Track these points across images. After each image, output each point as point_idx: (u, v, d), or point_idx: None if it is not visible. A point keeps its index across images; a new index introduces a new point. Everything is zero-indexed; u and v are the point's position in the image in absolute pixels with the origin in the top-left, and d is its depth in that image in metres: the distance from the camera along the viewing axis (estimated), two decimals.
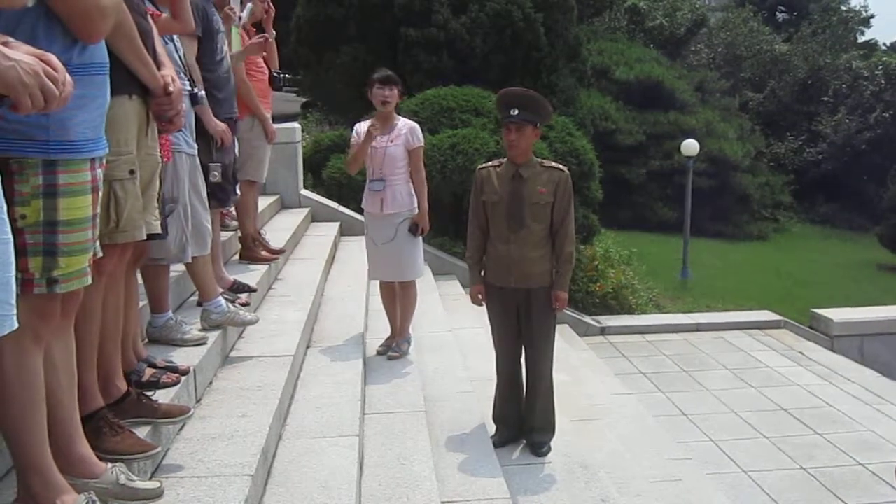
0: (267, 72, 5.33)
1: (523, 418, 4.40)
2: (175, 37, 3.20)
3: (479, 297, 4.32)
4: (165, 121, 2.50)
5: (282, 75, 5.49)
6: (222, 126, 3.99)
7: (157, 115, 2.47)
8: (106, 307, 2.35)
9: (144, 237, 2.42)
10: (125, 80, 2.28)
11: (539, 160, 4.24)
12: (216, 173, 3.92)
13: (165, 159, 2.82)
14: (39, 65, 1.49)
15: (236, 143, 4.45)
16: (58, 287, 1.86)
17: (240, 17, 4.72)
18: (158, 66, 2.44)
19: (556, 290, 4.18)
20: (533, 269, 4.15)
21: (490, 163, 4.36)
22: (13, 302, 1.55)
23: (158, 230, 2.58)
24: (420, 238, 4.67)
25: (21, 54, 1.48)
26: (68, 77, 1.57)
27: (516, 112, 4.05)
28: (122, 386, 2.49)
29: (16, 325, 1.56)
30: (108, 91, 2.00)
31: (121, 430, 2.28)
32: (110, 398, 2.42)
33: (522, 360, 4.39)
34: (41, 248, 1.83)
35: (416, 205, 4.61)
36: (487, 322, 4.46)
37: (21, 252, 1.76)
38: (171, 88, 2.42)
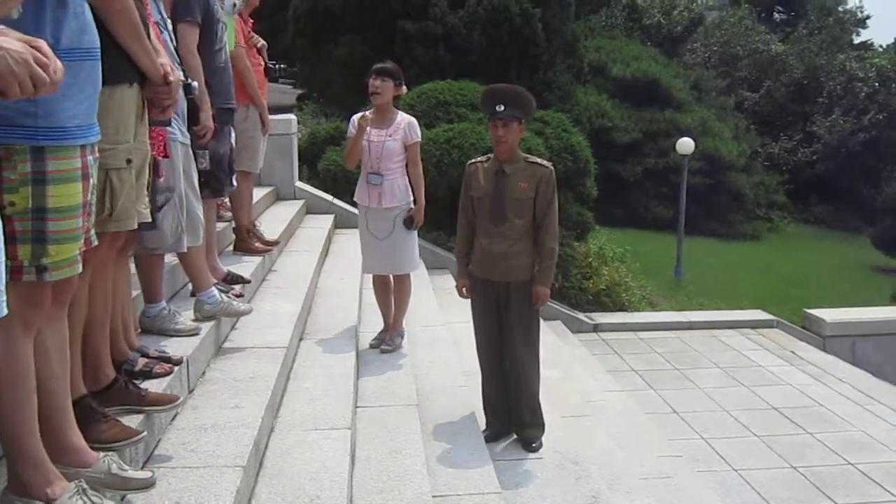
0: (263, 63, 5.30)
1: (511, 412, 4.40)
2: (170, 27, 3.17)
3: (464, 290, 4.39)
4: (159, 109, 2.48)
5: (276, 66, 5.47)
6: (211, 124, 3.93)
7: (152, 103, 2.45)
8: (94, 296, 2.34)
9: (136, 227, 2.41)
10: (126, 67, 2.26)
11: (525, 156, 4.24)
12: (203, 160, 3.88)
13: (160, 154, 2.80)
14: (29, 52, 1.46)
15: (233, 134, 4.42)
16: (47, 275, 1.84)
17: (234, 4, 4.68)
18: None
19: (536, 284, 4.19)
20: (513, 263, 4.17)
21: (479, 158, 4.38)
22: (2, 289, 1.53)
23: (149, 219, 2.56)
24: (415, 231, 4.66)
25: (10, 41, 1.45)
26: (59, 63, 1.55)
27: (502, 108, 4.06)
28: (111, 374, 2.47)
29: (5, 312, 1.54)
30: (100, 77, 1.97)
31: (105, 419, 2.26)
32: (99, 386, 2.41)
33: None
34: (30, 236, 1.81)
35: (412, 198, 4.60)
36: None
37: (10, 239, 1.74)
38: (171, 78, 2.40)
